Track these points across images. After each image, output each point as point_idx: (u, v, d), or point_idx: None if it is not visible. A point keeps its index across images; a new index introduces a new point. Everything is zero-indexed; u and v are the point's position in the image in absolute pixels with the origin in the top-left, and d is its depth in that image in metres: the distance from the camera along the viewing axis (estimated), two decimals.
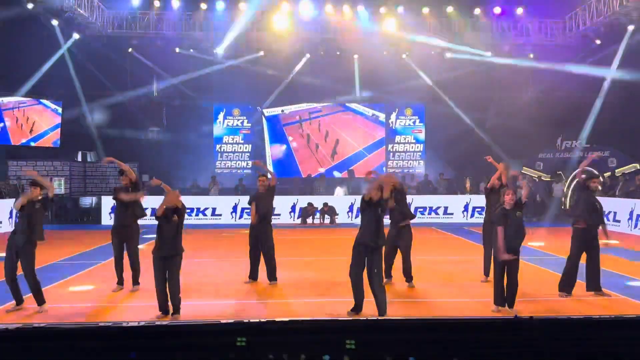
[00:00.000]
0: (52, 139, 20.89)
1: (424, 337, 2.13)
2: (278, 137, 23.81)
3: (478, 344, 2.17)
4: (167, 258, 6.34)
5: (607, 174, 19.46)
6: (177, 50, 21.11)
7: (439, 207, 18.74)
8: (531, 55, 21.26)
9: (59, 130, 20.95)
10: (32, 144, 20.54)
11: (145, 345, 1.96)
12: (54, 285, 8.19)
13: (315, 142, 23.76)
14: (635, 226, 15.04)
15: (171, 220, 6.35)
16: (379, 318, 1.96)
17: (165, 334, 2.04)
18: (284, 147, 23.77)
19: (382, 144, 23.87)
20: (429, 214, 18.76)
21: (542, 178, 21.21)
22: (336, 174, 23.23)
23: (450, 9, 20.32)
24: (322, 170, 23.23)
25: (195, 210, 18.33)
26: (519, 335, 2.22)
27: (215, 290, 8.04)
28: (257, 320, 2.18)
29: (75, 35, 19.42)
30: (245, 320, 2.16)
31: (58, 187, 19.36)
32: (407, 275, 8.06)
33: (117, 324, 2.01)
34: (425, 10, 20.14)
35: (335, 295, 7.48)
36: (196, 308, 7.00)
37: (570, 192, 20.64)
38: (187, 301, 6.72)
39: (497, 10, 20.48)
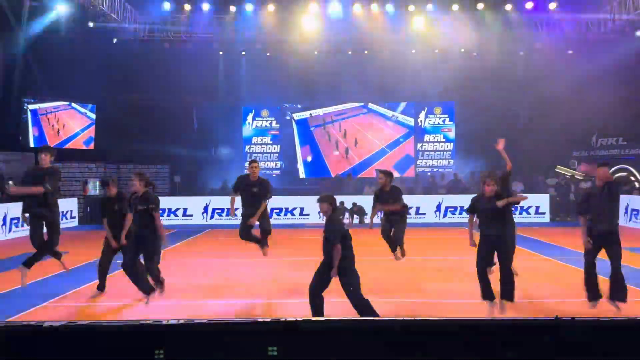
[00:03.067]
0: (82, 139, 21.41)
1: (459, 338, 2.08)
2: (307, 139, 23.92)
3: (518, 345, 2.11)
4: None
5: None
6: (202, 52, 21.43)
7: None
8: (570, 52, 20.79)
9: (89, 131, 21.45)
10: (65, 145, 21.10)
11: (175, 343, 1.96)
12: (93, 284, 8.36)
13: (339, 143, 23.82)
14: None
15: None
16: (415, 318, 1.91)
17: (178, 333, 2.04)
18: (312, 148, 23.86)
19: (401, 141, 23.72)
20: (460, 213, 18.51)
21: (576, 176, 20.71)
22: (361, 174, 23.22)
23: (480, 5, 19.99)
24: (346, 167, 23.25)
25: (225, 210, 18.50)
26: (559, 336, 2.15)
27: (246, 289, 8.10)
28: (294, 319, 2.15)
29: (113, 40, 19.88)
30: (281, 319, 2.13)
31: (93, 188, 19.82)
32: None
33: (157, 322, 2.02)
34: (455, 7, 19.86)
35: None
36: (225, 307, 7.05)
37: None
38: (215, 300, 6.72)
39: (529, 5, 20.04)
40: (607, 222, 6.50)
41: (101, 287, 7.79)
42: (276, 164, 23.77)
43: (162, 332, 2.04)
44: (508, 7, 20.03)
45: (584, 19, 20.12)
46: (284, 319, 2.12)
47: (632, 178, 19.35)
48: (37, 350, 1.87)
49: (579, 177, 20.32)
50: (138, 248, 6.69)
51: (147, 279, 6.87)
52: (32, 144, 19.90)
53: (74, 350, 1.90)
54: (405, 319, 2.24)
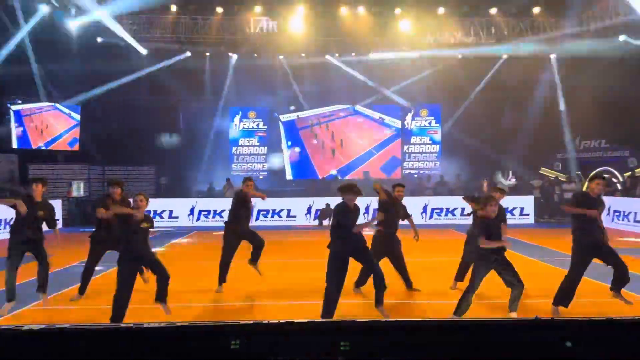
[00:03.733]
0: (66, 140, 21.23)
1: (439, 338, 2.11)
2: (294, 140, 23.92)
3: (498, 346, 2.13)
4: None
5: (627, 174, 19.16)
6: (189, 53, 21.34)
7: (455, 208, 18.62)
8: (552, 56, 21.05)
9: (73, 132, 21.27)
10: (49, 147, 20.89)
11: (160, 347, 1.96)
12: (73, 288, 8.29)
13: (326, 145, 23.87)
14: None
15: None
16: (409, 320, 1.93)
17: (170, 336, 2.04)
18: (299, 150, 23.88)
19: (388, 143, 23.86)
20: (446, 215, 18.66)
21: (560, 178, 20.96)
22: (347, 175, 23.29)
23: (466, 9, 20.19)
24: (334, 172, 23.28)
25: (212, 212, 18.45)
26: (539, 336, 2.18)
27: (234, 291, 8.09)
28: (258, 321, 2.16)
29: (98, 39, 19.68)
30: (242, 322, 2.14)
31: (77, 190, 19.63)
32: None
33: (138, 325, 2.02)
34: (441, 10, 20.03)
35: (351, 297, 7.46)
36: (213, 309, 7.02)
37: None
38: (204, 303, 6.70)
39: (514, 9, 20.29)
40: (602, 232, 6.64)
41: (82, 291, 7.77)
42: (263, 165, 23.74)
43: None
44: (493, 10, 20.26)
45: (567, 23, 20.39)
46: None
47: (614, 180, 19.62)
48: (16, 355, 1.85)
49: (562, 179, 20.58)
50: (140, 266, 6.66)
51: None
52: (15, 145, 19.68)
53: (54, 354, 1.90)
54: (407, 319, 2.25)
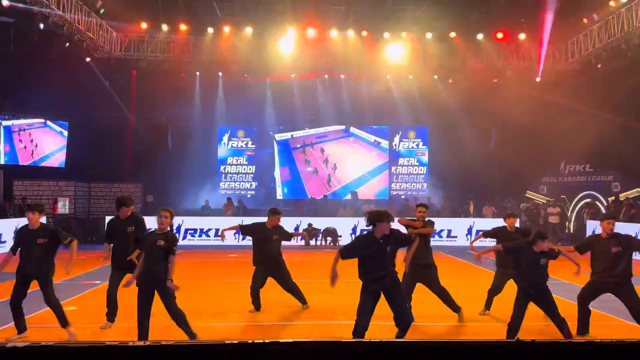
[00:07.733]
0: (58, 160, 21.09)
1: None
2: (286, 160, 23.94)
3: None
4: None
5: (611, 199, 19.41)
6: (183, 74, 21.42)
7: (442, 230, 18.69)
8: (538, 79, 21.43)
9: (64, 152, 21.16)
10: (39, 165, 20.74)
11: None
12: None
13: (318, 167, 23.92)
14: None
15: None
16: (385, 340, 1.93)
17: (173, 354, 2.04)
18: (292, 170, 23.89)
19: (385, 168, 23.96)
20: (432, 237, 18.65)
21: (548, 202, 21.17)
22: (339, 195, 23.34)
23: (453, 34, 20.55)
24: (326, 193, 23.30)
25: (198, 231, 18.37)
26: (521, 358, 2.21)
27: (219, 312, 8.03)
28: (262, 341, 2.17)
29: (86, 58, 19.68)
30: (249, 341, 2.15)
31: (63, 207, 19.44)
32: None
33: (124, 343, 2.02)
34: (429, 35, 20.37)
35: (335, 319, 7.44)
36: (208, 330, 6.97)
37: (574, 216, 20.56)
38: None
39: (500, 35, 20.72)
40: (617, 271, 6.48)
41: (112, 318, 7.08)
42: (251, 184, 23.73)
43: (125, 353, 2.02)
44: (480, 36, 20.62)
45: (552, 49, 20.84)
46: (251, 341, 2.13)
47: (598, 203, 19.86)
48: None
49: (549, 203, 20.79)
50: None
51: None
52: (1, 161, 19.51)
53: None
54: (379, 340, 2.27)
